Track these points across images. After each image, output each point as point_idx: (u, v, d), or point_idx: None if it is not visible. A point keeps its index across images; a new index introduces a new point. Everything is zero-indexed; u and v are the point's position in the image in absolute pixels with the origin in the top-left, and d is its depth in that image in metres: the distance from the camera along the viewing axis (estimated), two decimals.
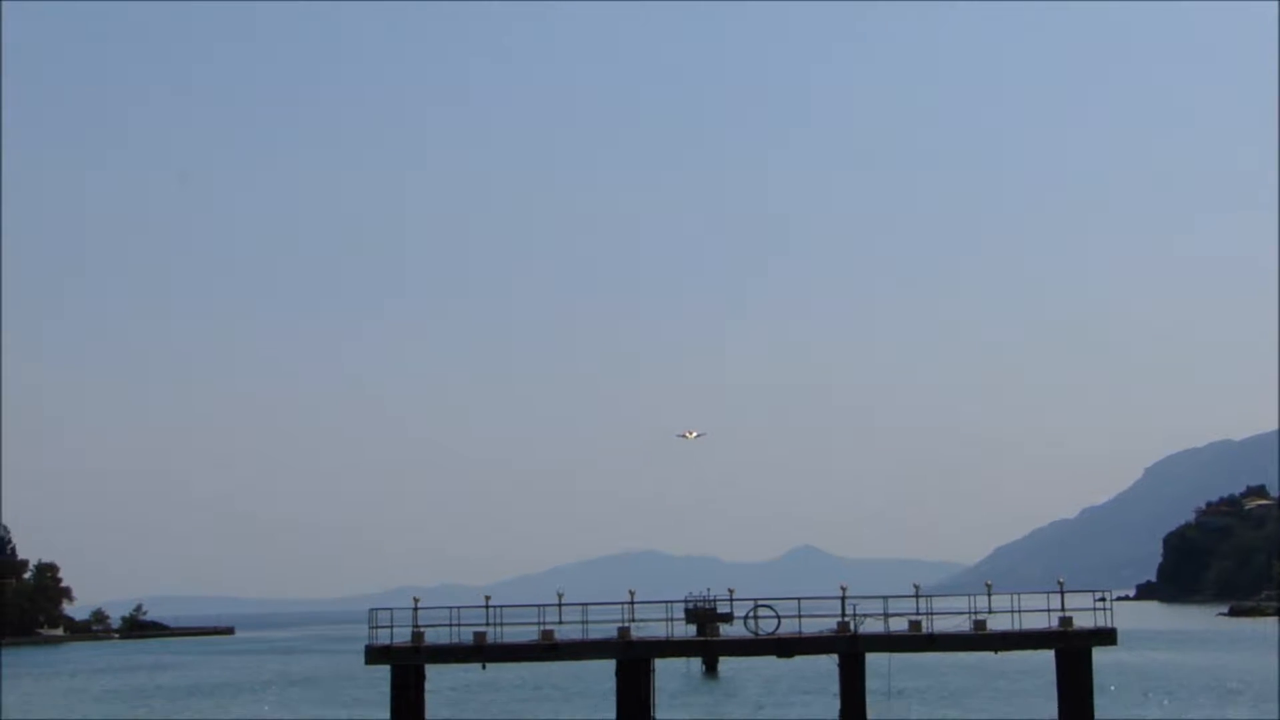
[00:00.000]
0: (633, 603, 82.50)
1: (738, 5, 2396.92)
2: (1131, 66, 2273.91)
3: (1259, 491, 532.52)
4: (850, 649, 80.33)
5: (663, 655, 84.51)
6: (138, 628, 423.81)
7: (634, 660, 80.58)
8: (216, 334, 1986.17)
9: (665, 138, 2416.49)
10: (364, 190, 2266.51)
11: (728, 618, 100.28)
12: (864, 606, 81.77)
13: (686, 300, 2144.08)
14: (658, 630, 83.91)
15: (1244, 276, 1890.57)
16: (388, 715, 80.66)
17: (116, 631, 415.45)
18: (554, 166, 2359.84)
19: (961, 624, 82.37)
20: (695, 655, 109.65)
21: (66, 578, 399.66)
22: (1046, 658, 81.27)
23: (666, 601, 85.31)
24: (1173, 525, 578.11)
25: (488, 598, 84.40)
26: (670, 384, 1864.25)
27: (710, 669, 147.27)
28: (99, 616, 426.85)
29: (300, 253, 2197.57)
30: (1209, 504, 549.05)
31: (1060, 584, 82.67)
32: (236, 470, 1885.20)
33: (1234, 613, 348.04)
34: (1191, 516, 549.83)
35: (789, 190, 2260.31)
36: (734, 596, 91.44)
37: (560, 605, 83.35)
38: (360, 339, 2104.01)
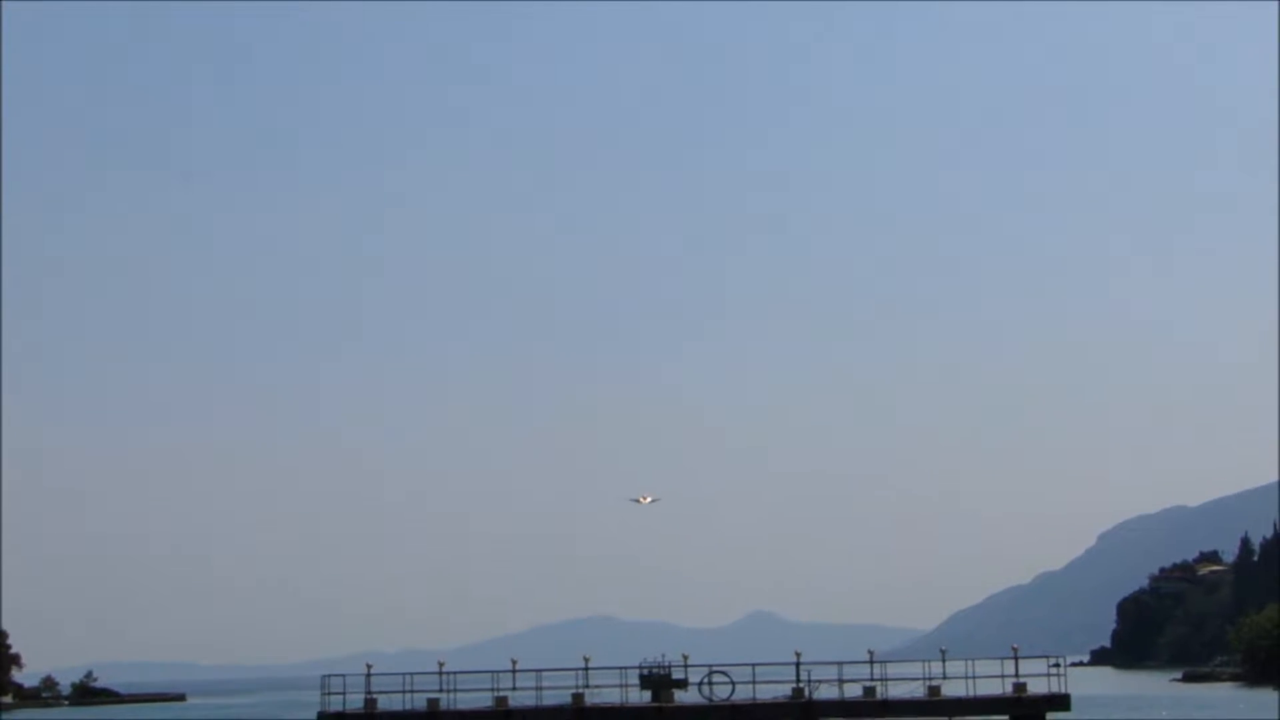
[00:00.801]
0: (587, 669, 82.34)
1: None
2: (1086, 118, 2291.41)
3: (1212, 557, 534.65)
4: (804, 715, 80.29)
5: None
6: (88, 694, 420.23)
7: None
8: (173, 393, 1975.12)
9: (617, 173, 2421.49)
10: (323, 234, 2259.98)
11: (682, 684, 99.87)
12: (819, 672, 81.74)
13: (641, 361, 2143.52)
14: (612, 696, 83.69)
15: (1202, 345, 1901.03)
16: None
17: (66, 699, 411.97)
18: (502, 200, 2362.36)
19: (916, 690, 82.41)
20: None
21: (16, 644, 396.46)
22: None
23: (621, 667, 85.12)
24: (1127, 591, 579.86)
25: (441, 663, 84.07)
26: (627, 447, 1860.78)
27: None
28: (49, 683, 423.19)
29: (259, 312, 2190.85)
30: (1163, 570, 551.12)
31: (1014, 650, 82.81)
32: (193, 534, 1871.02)
33: (1188, 679, 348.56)
34: (1145, 583, 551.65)
35: (740, 241, 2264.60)
36: (689, 662, 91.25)
37: (514, 671, 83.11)
38: (321, 399, 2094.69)
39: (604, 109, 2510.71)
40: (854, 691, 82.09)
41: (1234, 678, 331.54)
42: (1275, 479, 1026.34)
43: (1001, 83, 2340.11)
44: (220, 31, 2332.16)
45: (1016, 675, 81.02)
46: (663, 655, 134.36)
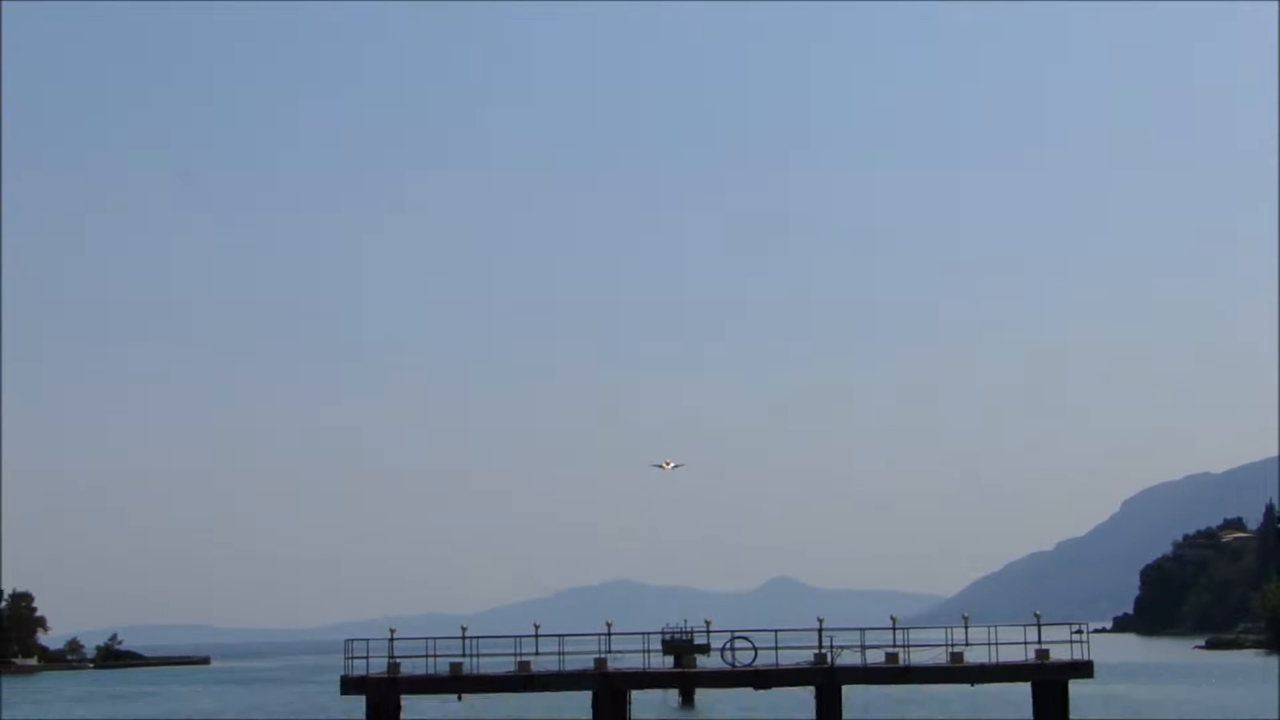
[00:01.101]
0: (609, 634, 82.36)
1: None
2: (1093, 114, 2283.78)
3: (1236, 524, 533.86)
4: (827, 681, 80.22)
5: (639, 687, 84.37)
6: (113, 657, 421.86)
7: (611, 692, 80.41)
8: (196, 365, 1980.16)
9: (643, 165, 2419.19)
10: (331, 233, 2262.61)
11: (704, 649, 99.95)
12: (841, 638, 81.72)
13: (666, 330, 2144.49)
14: (634, 661, 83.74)
15: (1222, 312, 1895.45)
16: None
17: (91, 661, 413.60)
18: (531, 200, 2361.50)
19: (938, 656, 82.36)
20: (672, 687, 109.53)
21: (41, 607, 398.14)
22: (1023, 690, 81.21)
23: (643, 633, 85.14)
24: (1150, 558, 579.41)
25: (464, 628, 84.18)
26: (649, 414, 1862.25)
27: (687, 700, 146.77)
28: (73, 646, 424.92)
29: (278, 287, 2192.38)
30: (1186, 537, 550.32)
31: (1037, 617, 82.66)
32: (216, 499, 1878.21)
33: (1211, 646, 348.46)
34: (1169, 549, 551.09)
35: (768, 224, 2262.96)
36: (711, 628, 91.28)
37: (537, 636, 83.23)
38: (341, 367, 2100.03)
39: (622, 115, 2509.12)
40: (876, 657, 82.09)
41: (1257, 644, 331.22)
42: None
43: (1002, 84, 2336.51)
44: (220, 32, 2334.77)
45: (1039, 642, 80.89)
46: (685, 621, 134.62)
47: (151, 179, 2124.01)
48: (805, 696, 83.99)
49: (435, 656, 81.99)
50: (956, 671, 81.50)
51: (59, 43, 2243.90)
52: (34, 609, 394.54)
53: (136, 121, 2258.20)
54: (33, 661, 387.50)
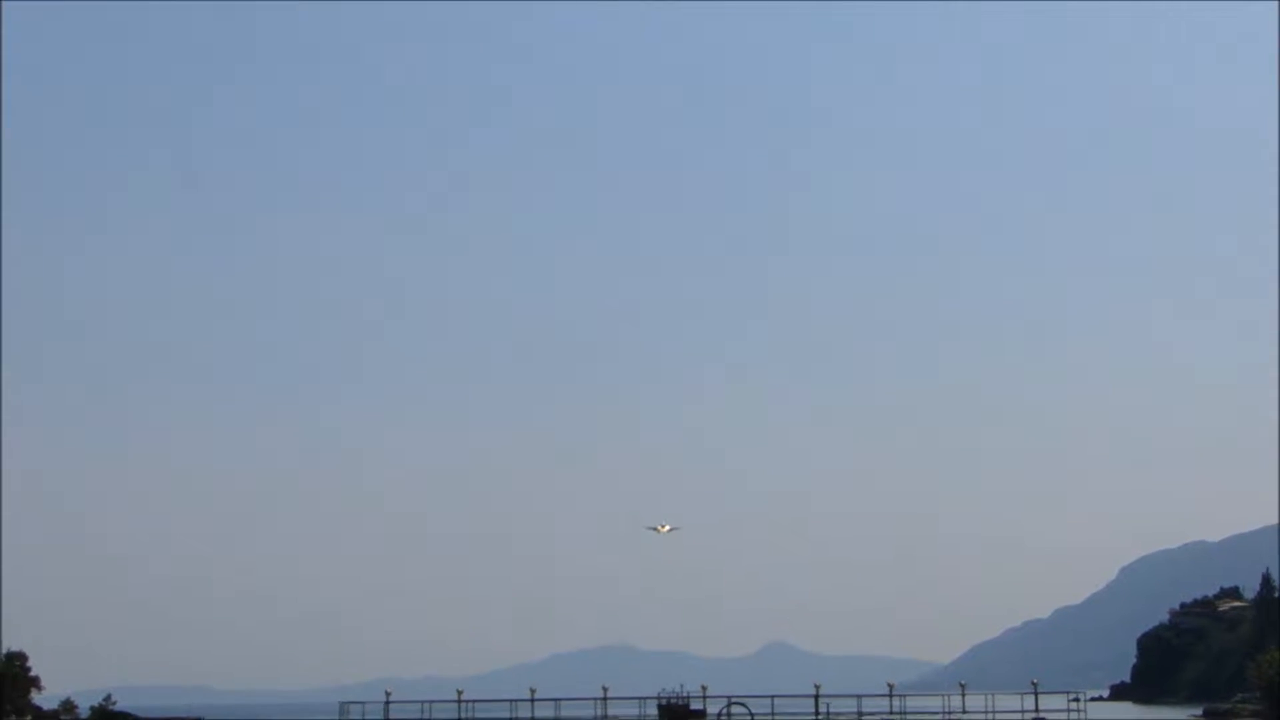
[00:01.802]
0: (605, 698, 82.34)
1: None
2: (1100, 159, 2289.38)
3: (1233, 593, 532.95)
4: None
5: None
6: (107, 717, 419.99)
7: None
8: (189, 410, 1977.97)
9: (626, 229, 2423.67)
10: (332, 258, 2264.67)
11: (701, 714, 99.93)
12: (837, 705, 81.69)
13: (654, 388, 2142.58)
14: None
15: (1221, 377, 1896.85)
16: None
17: None
18: (524, 244, 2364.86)
19: None
20: None
21: (36, 666, 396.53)
22: None
23: (639, 697, 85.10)
24: (1147, 626, 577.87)
25: (460, 692, 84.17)
26: (644, 476, 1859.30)
27: None
28: (67, 706, 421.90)
29: (277, 331, 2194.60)
30: (1183, 605, 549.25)
31: (1034, 684, 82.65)
32: (214, 556, 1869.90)
33: (1208, 715, 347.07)
34: (1166, 618, 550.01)
35: (757, 270, 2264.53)
36: (707, 693, 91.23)
37: (533, 700, 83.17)
38: (342, 421, 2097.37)
39: (620, 125, 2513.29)
40: None
41: (1254, 714, 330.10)
42: None
43: (1000, 84, 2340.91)
44: (220, 33, 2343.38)
45: (1036, 710, 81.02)
46: (681, 685, 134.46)
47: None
48: None
49: (431, 719, 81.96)
50: None
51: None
52: (28, 669, 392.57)
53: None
54: None
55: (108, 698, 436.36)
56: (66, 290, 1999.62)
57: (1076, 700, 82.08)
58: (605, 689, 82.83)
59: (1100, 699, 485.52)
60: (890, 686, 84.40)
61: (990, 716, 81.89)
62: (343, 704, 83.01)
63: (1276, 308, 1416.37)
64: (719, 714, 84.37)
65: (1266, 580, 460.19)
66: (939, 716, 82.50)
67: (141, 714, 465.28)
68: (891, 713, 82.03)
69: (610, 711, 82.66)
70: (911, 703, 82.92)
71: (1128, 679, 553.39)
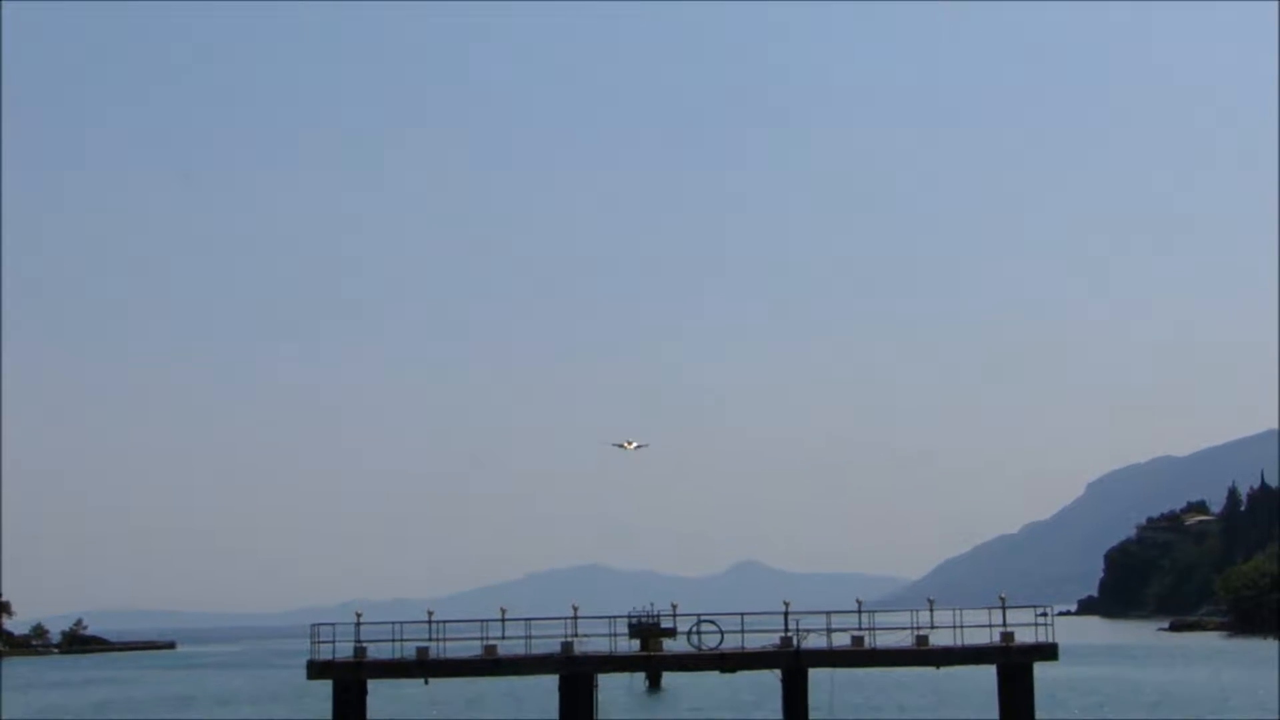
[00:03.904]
0: (575, 618, 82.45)
1: None
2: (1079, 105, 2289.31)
3: (1199, 507, 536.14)
4: (793, 664, 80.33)
5: (605, 670, 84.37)
6: (78, 642, 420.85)
7: (577, 675, 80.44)
8: (160, 349, 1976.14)
9: (615, 140, 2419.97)
10: (312, 209, 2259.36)
11: (671, 633, 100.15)
12: (807, 621, 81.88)
13: (631, 309, 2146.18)
14: (601, 645, 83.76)
15: (1187, 298, 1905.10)
16: None
17: (56, 646, 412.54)
18: (501, 172, 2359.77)
19: (904, 639, 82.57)
20: (638, 670, 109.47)
21: (6, 591, 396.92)
22: (988, 673, 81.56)
23: (610, 616, 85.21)
24: (1114, 541, 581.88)
25: (430, 613, 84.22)
26: (617, 395, 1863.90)
27: (654, 684, 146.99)
28: (39, 631, 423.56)
29: (250, 273, 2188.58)
30: (1150, 520, 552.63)
31: (1002, 600, 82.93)
32: (182, 483, 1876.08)
33: (1175, 628, 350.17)
34: (1133, 532, 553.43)
35: (738, 201, 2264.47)
36: (677, 611, 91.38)
37: (503, 620, 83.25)
38: (307, 354, 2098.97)
39: (594, 95, 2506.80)
40: (842, 640, 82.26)
41: (1220, 627, 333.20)
42: (1263, 430, 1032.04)
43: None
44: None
45: (1004, 625, 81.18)
46: (651, 604, 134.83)
47: (152, 178, 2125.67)
48: (771, 679, 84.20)
49: (401, 641, 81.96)
50: (922, 654, 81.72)
51: (59, 43, 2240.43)
52: None
53: (136, 122, 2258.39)
54: None
55: (78, 622, 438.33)
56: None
57: (1044, 615, 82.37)
58: (575, 608, 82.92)
59: (1068, 613, 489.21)
60: (859, 603, 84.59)
61: (958, 631, 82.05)
62: (313, 626, 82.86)
63: (1244, 246, 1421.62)
64: (689, 632, 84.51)
65: (1233, 494, 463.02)
66: (907, 632, 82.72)
67: (113, 638, 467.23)
68: (861, 628, 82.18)
69: (581, 630, 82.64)
70: (880, 619, 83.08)
71: (1095, 593, 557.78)
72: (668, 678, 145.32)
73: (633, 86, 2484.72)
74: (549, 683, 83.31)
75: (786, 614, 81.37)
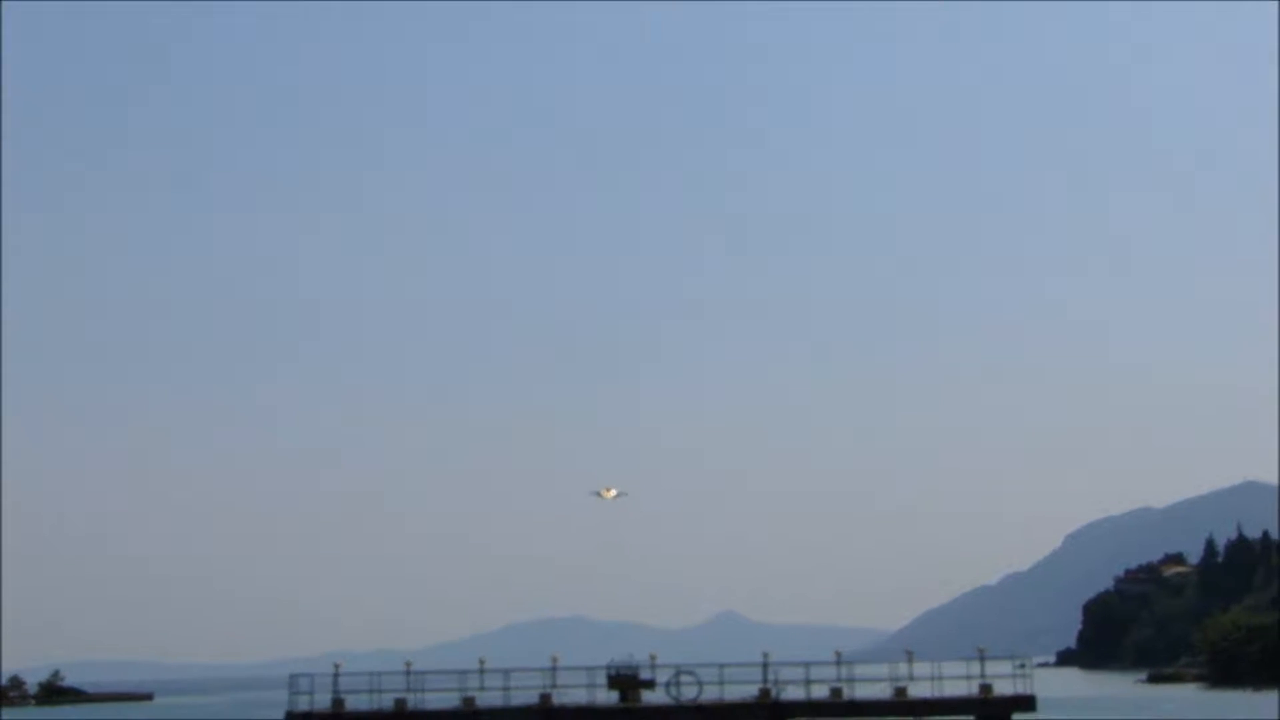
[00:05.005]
0: (554, 668, 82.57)
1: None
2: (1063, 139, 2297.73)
3: (1177, 559, 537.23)
4: (772, 716, 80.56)
5: None
6: (55, 694, 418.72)
7: None
8: (143, 391, 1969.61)
9: (586, 181, 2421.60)
10: (320, 241, 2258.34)
11: (650, 684, 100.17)
12: (786, 673, 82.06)
13: (605, 357, 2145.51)
14: (579, 696, 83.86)
15: (1164, 347, 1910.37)
16: None
17: (33, 698, 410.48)
18: (471, 208, 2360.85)
19: (883, 690, 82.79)
20: None
21: None
22: None
23: (588, 668, 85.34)
24: (1093, 592, 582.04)
25: (409, 663, 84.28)
26: (594, 446, 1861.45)
27: None
28: (15, 683, 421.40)
29: (225, 312, 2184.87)
30: (1128, 571, 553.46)
31: (980, 651, 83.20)
32: (161, 531, 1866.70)
33: (1153, 680, 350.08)
34: (1111, 584, 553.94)
35: (711, 249, 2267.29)
36: (656, 663, 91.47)
37: (482, 671, 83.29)
38: (286, 402, 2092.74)
39: (572, 119, 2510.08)
40: (821, 692, 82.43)
41: (1198, 678, 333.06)
42: (1239, 481, 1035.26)
43: (989, 87, 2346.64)
44: (220, 34, 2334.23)
45: (983, 676, 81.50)
46: (630, 655, 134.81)
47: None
48: None
49: (380, 691, 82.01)
50: (900, 706, 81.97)
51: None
52: None
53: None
54: None
55: (55, 673, 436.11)
56: (62, 274, 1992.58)
57: (1023, 666, 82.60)
58: (555, 659, 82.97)
59: (1047, 665, 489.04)
60: (838, 655, 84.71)
61: (936, 683, 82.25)
62: (292, 676, 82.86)
63: (1223, 290, 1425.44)
64: (668, 683, 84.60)
65: (1210, 546, 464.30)
66: (886, 683, 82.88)
67: (91, 689, 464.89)
68: (839, 680, 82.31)
69: (560, 681, 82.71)
70: (859, 670, 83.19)
71: (1074, 644, 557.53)
72: None
73: (602, 127, 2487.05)
74: None
75: (766, 665, 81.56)
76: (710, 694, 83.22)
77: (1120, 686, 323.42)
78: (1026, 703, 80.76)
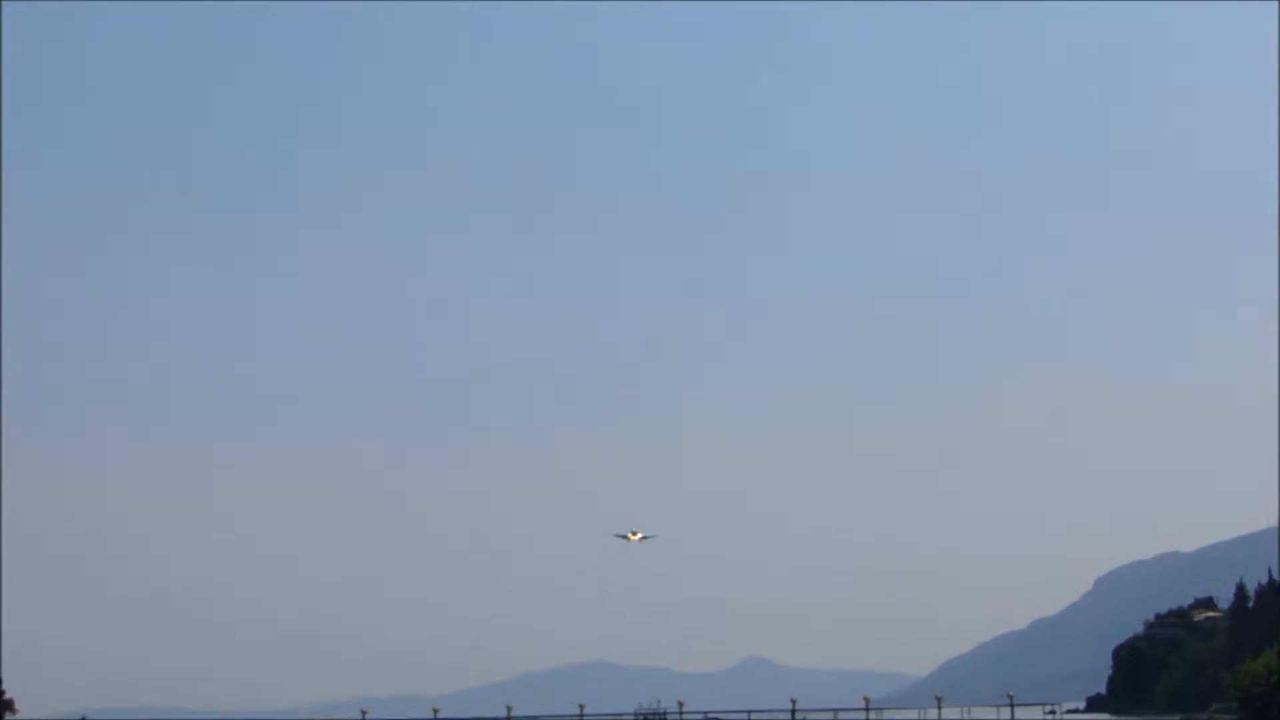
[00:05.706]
0: (581, 716, 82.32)
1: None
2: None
3: (1208, 604, 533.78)
4: None
5: None
6: None
7: None
8: (166, 432, 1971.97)
9: (616, 227, 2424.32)
10: (317, 300, 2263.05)
11: None
12: (814, 719, 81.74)
13: (641, 402, 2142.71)
14: None
15: (1198, 390, 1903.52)
16: None
17: None
18: (510, 253, 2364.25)
19: None
20: None
21: (10, 688, 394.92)
22: None
23: (616, 714, 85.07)
24: (1122, 637, 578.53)
25: (435, 710, 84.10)
26: (625, 490, 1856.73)
27: None
28: None
29: (251, 354, 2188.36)
30: (1158, 616, 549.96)
31: (1010, 697, 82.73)
32: (189, 576, 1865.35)
33: None
34: (1141, 629, 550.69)
35: (747, 292, 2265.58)
36: (683, 709, 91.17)
37: (509, 719, 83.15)
38: (312, 444, 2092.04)
39: (582, 146, 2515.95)
40: None
41: None
42: (1270, 525, 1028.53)
43: (988, 90, 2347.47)
44: (219, 35, 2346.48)
45: None
46: (658, 701, 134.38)
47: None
48: None
49: None
50: None
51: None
52: (2, 691, 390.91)
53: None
54: None
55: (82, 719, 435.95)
56: (64, 284, 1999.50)
57: (1053, 712, 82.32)
58: (582, 706, 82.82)
59: (1076, 711, 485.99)
60: (866, 701, 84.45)
61: None
62: None
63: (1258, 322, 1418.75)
64: None
65: (1241, 590, 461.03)
66: None
67: None
68: None
69: None
70: (887, 715, 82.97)
71: (1104, 690, 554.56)
72: None
73: (634, 179, 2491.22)
74: None
75: (794, 711, 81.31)
76: None
77: None
78: None
